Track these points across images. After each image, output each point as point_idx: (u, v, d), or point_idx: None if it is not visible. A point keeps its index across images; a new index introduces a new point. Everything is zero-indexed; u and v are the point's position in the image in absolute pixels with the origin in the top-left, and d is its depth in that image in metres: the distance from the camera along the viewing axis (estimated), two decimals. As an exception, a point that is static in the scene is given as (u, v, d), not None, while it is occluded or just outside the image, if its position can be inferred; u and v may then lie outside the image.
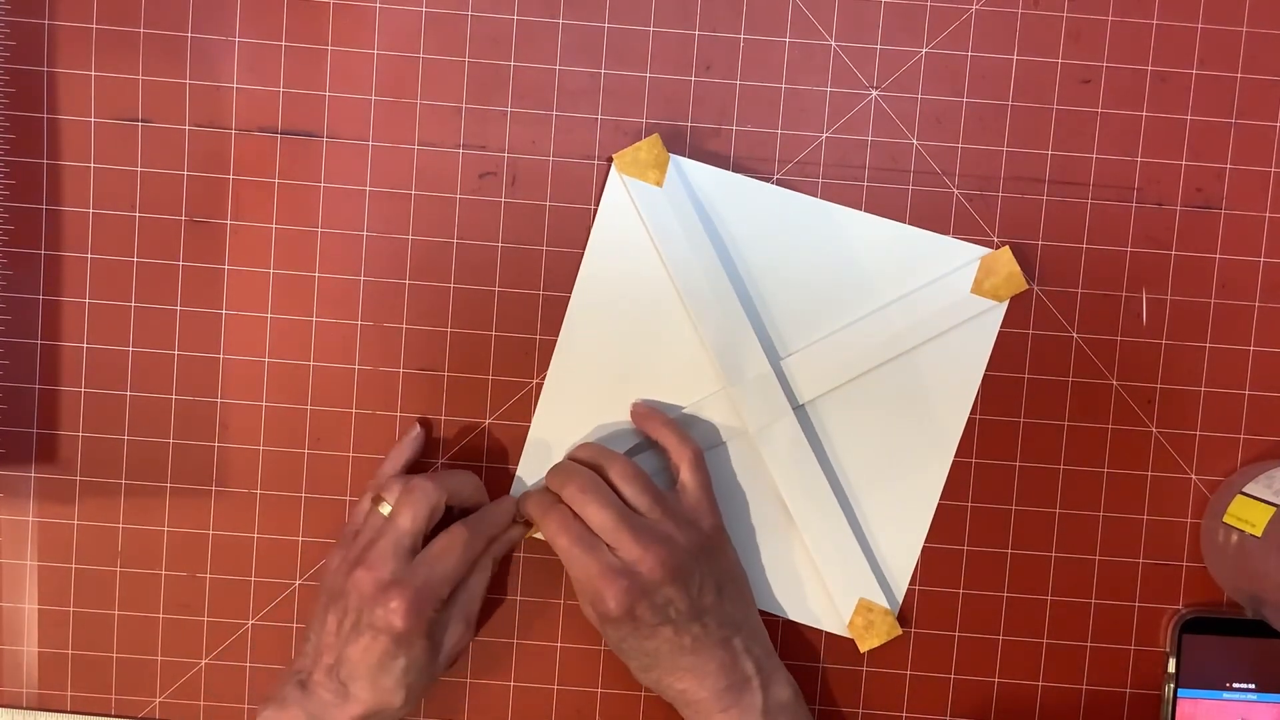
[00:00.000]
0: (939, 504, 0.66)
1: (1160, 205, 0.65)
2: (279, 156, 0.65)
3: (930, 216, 0.65)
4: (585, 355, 0.66)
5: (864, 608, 0.66)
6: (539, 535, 0.64)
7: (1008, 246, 0.65)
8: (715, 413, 0.65)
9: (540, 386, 0.66)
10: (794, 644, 0.67)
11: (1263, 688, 0.65)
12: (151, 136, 0.65)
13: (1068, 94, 0.65)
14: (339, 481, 0.66)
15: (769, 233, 0.65)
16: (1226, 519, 0.63)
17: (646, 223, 0.64)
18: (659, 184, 0.64)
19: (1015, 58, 0.65)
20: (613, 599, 0.58)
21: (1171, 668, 0.65)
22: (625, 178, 0.64)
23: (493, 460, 0.66)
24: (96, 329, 0.66)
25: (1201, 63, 0.65)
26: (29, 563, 0.67)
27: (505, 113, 0.65)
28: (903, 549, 0.66)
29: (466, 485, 0.63)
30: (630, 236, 0.65)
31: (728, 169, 0.65)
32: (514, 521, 0.64)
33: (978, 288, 0.65)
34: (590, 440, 0.65)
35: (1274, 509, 0.60)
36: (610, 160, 0.65)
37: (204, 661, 0.67)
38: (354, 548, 0.61)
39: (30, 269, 0.66)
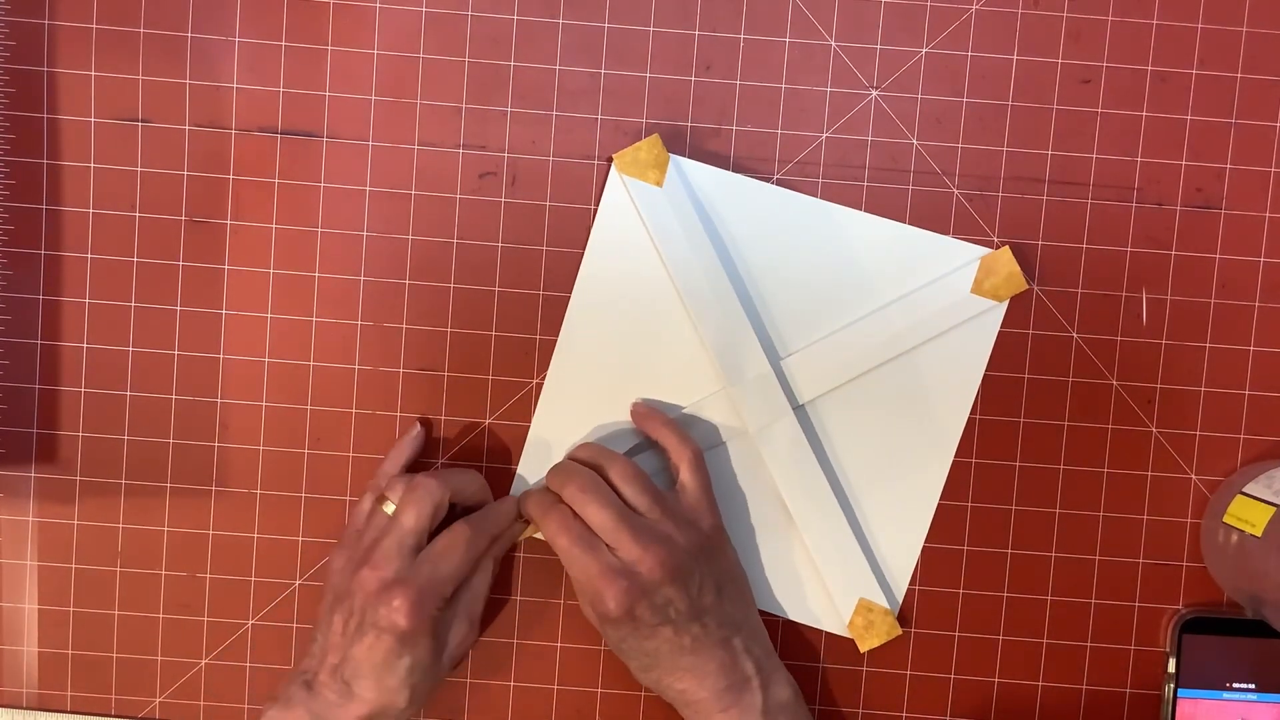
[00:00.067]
0: (939, 504, 0.66)
1: (1160, 205, 0.65)
2: (279, 156, 0.65)
3: (930, 216, 0.65)
4: (585, 355, 0.66)
5: (864, 608, 0.66)
6: (539, 535, 0.64)
7: (1008, 246, 0.65)
8: (715, 413, 0.65)
9: (540, 386, 0.66)
10: (794, 644, 0.67)
11: (1263, 688, 0.65)
12: (151, 136, 0.65)
13: (1068, 94, 0.65)
14: (339, 481, 0.66)
15: (769, 233, 0.65)
16: (1226, 519, 0.63)
17: (646, 223, 0.64)
18: (659, 184, 0.64)
19: (1015, 58, 0.65)
20: (612, 599, 0.58)
21: (1171, 668, 0.65)
22: (625, 178, 0.64)
23: (493, 460, 0.66)
24: (96, 329, 0.66)
25: (1201, 63, 0.65)
26: (29, 563, 0.67)
27: (505, 113, 0.65)
28: (903, 549, 0.66)
29: (470, 483, 0.63)
30: (630, 236, 0.65)
31: (728, 169, 0.65)
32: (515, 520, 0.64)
33: (978, 288, 0.65)
34: (590, 440, 0.65)
35: (1274, 509, 0.60)
36: (610, 160, 0.65)
37: (204, 661, 0.67)
38: (358, 548, 0.61)
39: (30, 269, 0.66)
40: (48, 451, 0.66)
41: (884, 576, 0.66)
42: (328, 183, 0.65)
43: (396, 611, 0.58)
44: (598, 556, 0.59)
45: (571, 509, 0.60)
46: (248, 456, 0.66)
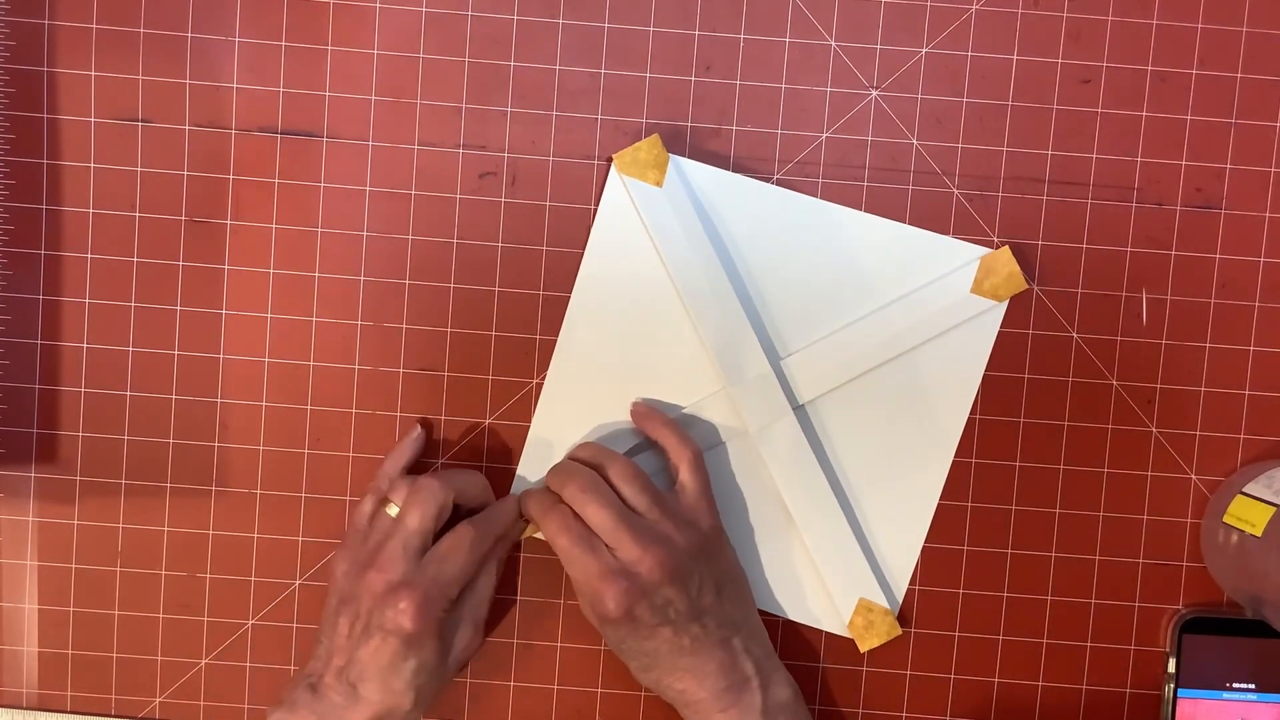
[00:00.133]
0: (939, 504, 0.66)
1: (1160, 205, 0.65)
2: (279, 156, 0.65)
3: (930, 216, 0.65)
4: (585, 355, 0.66)
5: (864, 608, 0.66)
6: (539, 535, 0.64)
7: (1008, 246, 0.65)
8: (715, 413, 0.65)
9: (540, 386, 0.66)
10: (794, 644, 0.67)
11: (1263, 688, 0.65)
12: (151, 136, 0.65)
13: (1068, 94, 0.65)
14: (339, 481, 0.66)
15: (769, 233, 0.65)
16: (1226, 519, 0.63)
17: (646, 223, 0.64)
18: (659, 184, 0.64)
19: (1015, 58, 0.65)
20: (612, 600, 0.58)
21: (1171, 668, 0.65)
22: (625, 178, 0.64)
23: (493, 460, 0.66)
24: (96, 329, 0.66)
25: (1201, 63, 0.65)
26: (29, 563, 0.67)
27: (505, 113, 0.65)
28: (903, 549, 0.66)
29: (473, 484, 0.63)
30: (630, 236, 0.65)
31: (728, 169, 0.65)
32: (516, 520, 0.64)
33: (978, 288, 0.65)
34: (590, 440, 0.65)
35: (1274, 509, 0.60)
36: (610, 160, 0.65)
37: (204, 661, 0.67)
38: (363, 550, 0.61)
39: (30, 269, 0.66)
40: (48, 451, 0.66)
41: (884, 576, 0.66)
42: (328, 183, 0.65)
43: (403, 614, 0.58)
44: (598, 557, 0.59)
45: (572, 509, 0.60)
46: (248, 456, 0.66)
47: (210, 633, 0.67)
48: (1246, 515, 0.62)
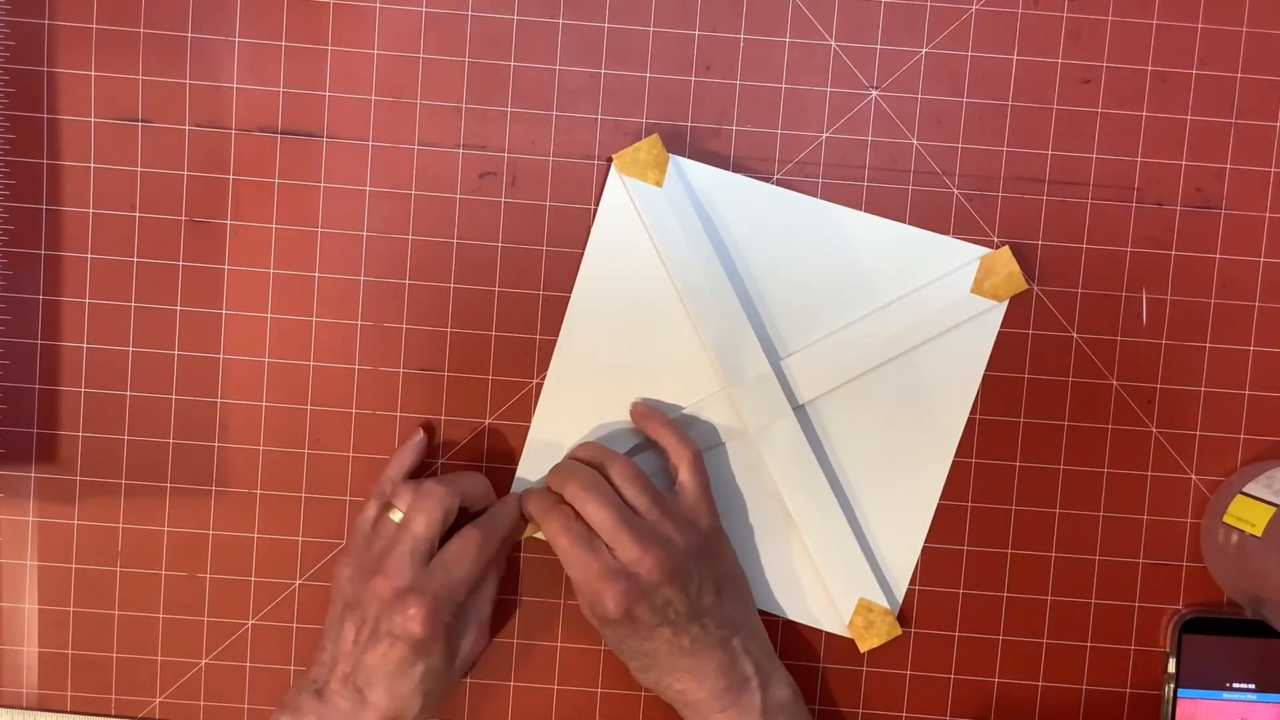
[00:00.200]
0: (939, 504, 0.66)
1: (1160, 205, 0.65)
2: (279, 156, 0.65)
3: (930, 216, 0.65)
4: (585, 355, 0.66)
5: (864, 608, 0.66)
6: (539, 535, 0.64)
7: (1008, 246, 0.65)
8: (715, 413, 0.65)
9: (540, 386, 0.66)
10: (794, 644, 0.67)
11: (1263, 688, 0.65)
12: (151, 136, 0.65)
13: (1068, 94, 0.65)
14: (339, 481, 0.66)
15: (769, 233, 0.65)
16: (1226, 519, 0.63)
17: (646, 223, 0.64)
18: (659, 184, 0.64)
19: (1015, 58, 0.65)
20: (611, 600, 0.58)
21: (1171, 668, 0.65)
22: (625, 178, 0.64)
23: (493, 460, 0.66)
24: (96, 329, 0.66)
25: (1201, 63, 0.65)
26: (29, 563, 0.67)
27: (505, 113, 0.65)
28: (903, 549, 0.66)
29: (477, 487, 0.63)
30: (630, 236, 0.65)
31: (728, 169, 0.65)
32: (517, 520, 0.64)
33: (978, 288, 0.65)
34: (590, 440, 0.65)
35: (1274, 509, 0.60)
36: (610, 160, 0.65)
37: (204, 661, 0.67)
38: (368, 556, 0.61)
39: (30, 269, 0.66)
40: (48, 451, 0.66)
41: (884, 576, 0.66)
42: (328, 183, 0.65)
43: (412, 620, 0.58)
44: (598, 557, 0.59)
45: (573, 509, 0.60)
46: (248, 456, 0.66)
47: (210, 633, 0.67)
48: (1246, 515, 0.62)
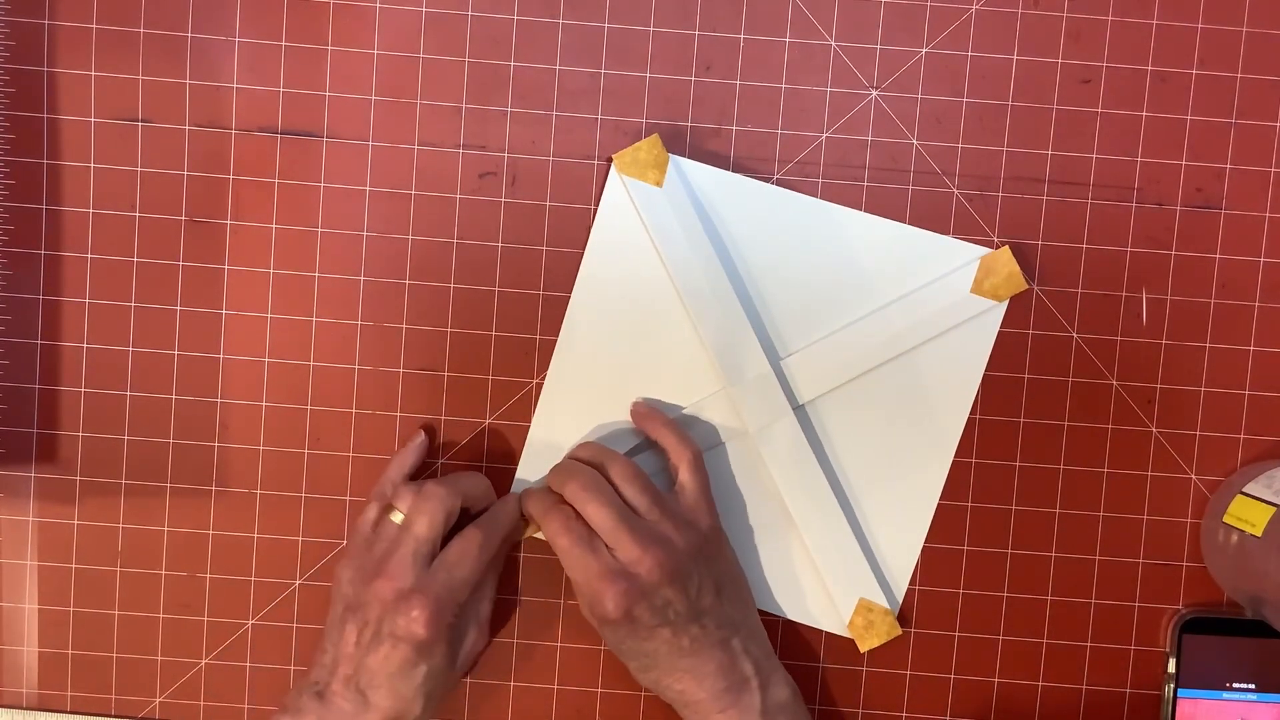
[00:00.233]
0: (939, 504, 0.66)
1: (1160, 205, 0.65)
2: (279, 156, 0.65)
3: (930, 216, 0.65)
4: (585, 355, 0.66)
5: (864, 608, 0.66)
6: (539, 535, 0.64)
7: (1008, 246, 0.65)
8: (715, 413, 0.65)
9: (540, 386, 0.66)
10: (794, 644, 0.67)
11: (1263, 688, 0.65)
12: (151, 136, 0.65)
13: (1068, 94, 0.65)
14: (339, 481, 0.66)
15: (769, 233, 0.65)
16: (1226, 519, 0.63)
17: (646, 223, 0.64)
18: (659, 184, 0.64)
19: (1015, 58, 0.65)
20: (611, 601, 0.58)
21: (1171, 668, 0.65)
22: (625, 178, 0.64)
23: (493, 460, 0.66)
24: (96, 329, 0.66)
25: (1201, 63, 0.65)
26: (29, 563, 0.67)
27: (505, 113, 0.65)
28: (903, 549, 0.66)
29: (478, 487, 0.63)
30: (630, 236, 0.65)
31: (728, 169, 0.65)
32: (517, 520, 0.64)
33: (978, 288, 0.65)
34: (590, 440, 0.65)
35: (1274, 509, 0.60)
36: (610, 160, 0.65)
37: (204, 661, 0.67)
38: (369, 558, 0.61)
39: (30, 269, 0.66)
40: (48, 451, 0.66)
41: (884, 576, 0.66)
42: (328, 183, 0.65)
43: (415, 621, 0.58)
44: (598, 557, 0.59)
45: (573, 509, 0.60)
46: (248, 456, 0.66)
47: (210, 633, 0.67)
48: (1246, 515, 0.62)
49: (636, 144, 0.64)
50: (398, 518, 0.61)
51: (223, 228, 0.65)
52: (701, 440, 0.65)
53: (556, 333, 0.66)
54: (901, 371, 0.65)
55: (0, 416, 0.66)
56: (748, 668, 0.61)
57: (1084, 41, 0.65)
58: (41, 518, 0.66)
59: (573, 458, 0.64)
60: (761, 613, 0.65)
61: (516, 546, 0.66)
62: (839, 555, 0.65)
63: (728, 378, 0.64)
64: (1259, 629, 0.64)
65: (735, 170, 0.65)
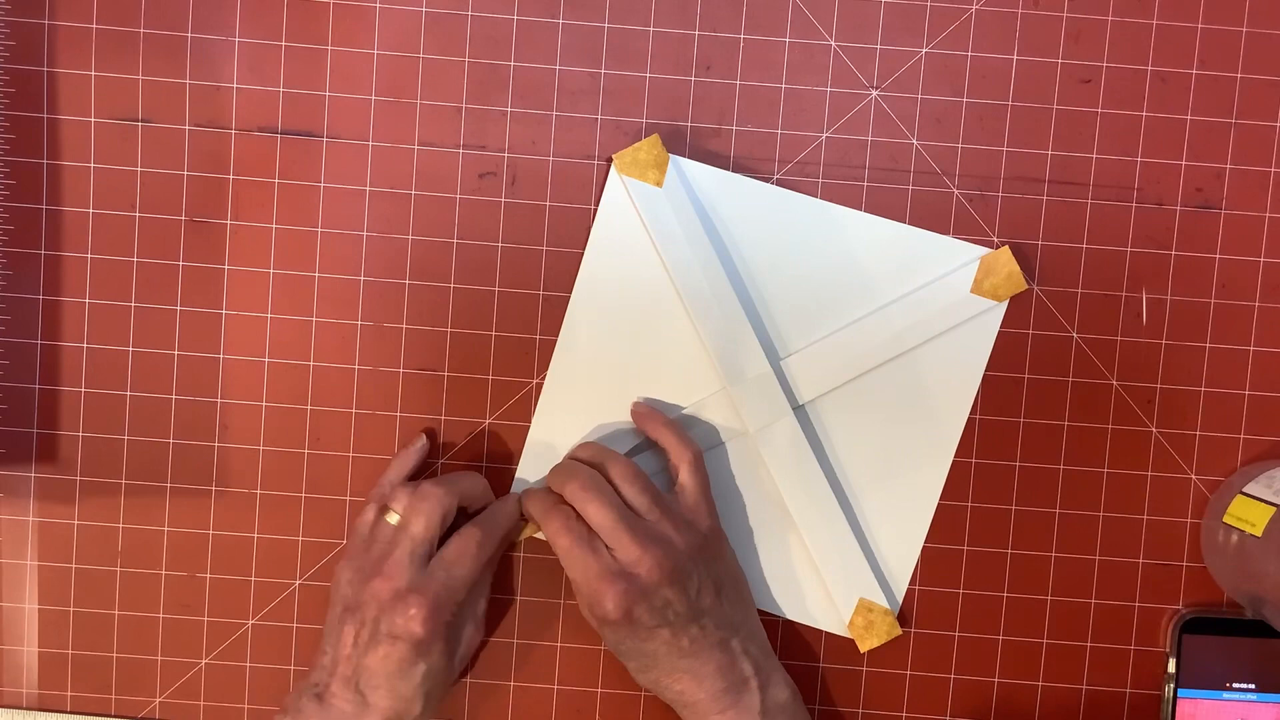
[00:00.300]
0: (939, 504, 0.66)
1: (1160, 205, 0.65)
2: (279, 156, 0.65)
3: (930, 216, 0.65)
4: (585, 355, 0.66)
5: (864, 608, 0.66)
6: (539, 535, 0.64)
7: (1008, 246, 0.65)
8: (715, 413, 0.65)
9: (540, 386, 0.66)
10: (793, 644, 0.67)
11: (1263, 688, 0.65)
12: (151, 136, 0.65)
13: (1068, 94, 0.65)
14: (339, 481, 0.66)
15: (769, 233, 0.65)
16: (1226, 519, 0.63)
17: (646, 223, 0.64)
18: (659, 184, 0.64)
19: (1015, 58, 0.65)
20: (611, 601, 0.58)
21: (1171, 668, 0.65)
22: (625, 178, 0.64)
23: (493, 460, 0.66)
24: (96, 329, 0.66)
25: (1201, 63, 0.65)
26: (29, 563, 0.67)
27: (505, 113, 0.65)
28: (903, 549, 0.66)
29: (475, 487, 0.63)
30: (630, 236, 0.65)
31: (728, 169, 0.65)
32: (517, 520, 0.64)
33: (977, 287, 0.65)
34: (590, 440, 0.65)
35: (1274, 509, 0.60)
36: (610, 160, 0.65)
37: (204, 661, 0.67)
38: (367, 559, 0.61)
39: (30, 269, 0.66)
40: (48, 451, 0.66)
41: (884, 576, 0.66)
42: (328, 183, 0.65)
43: (413, 620, 0.58)
44: (598, 558, 0.59)
45: (573, 509, 0.60)
46: (248, 456, 0.66)
47: (210, 633, 0.67)
48: (1246, 515, 0.62)
49: (636, 144, 0.64)
50: (394, 518, 0.61)
51: (223, 228, 0.65)
52: (701, 440, 0.65)
53: (556, 333, 0.66)
54: (901, 371, 0.65)
55: (0, 416, 0.66)
56: (747, 668, 0.61)
57: (1084, 41, 0.65)
58: (41, 518, 0.66)
59: (573, 458, 0.64)
60: (761, 613, 0.65)
61: (516, 546, 0.66)
62: (839, 555, 0.65)
63: (728, 378, 0.64)
64: (1259, 629, 0.64)
65: (735, 170, 0.65)
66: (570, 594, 0.66)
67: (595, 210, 0.65)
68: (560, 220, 0.65)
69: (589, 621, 0.61)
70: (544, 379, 0.66)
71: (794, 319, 0.65)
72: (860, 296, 0.65)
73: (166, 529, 0.66)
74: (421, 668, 0.59)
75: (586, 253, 0.65)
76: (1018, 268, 0.65)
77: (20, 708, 0.67)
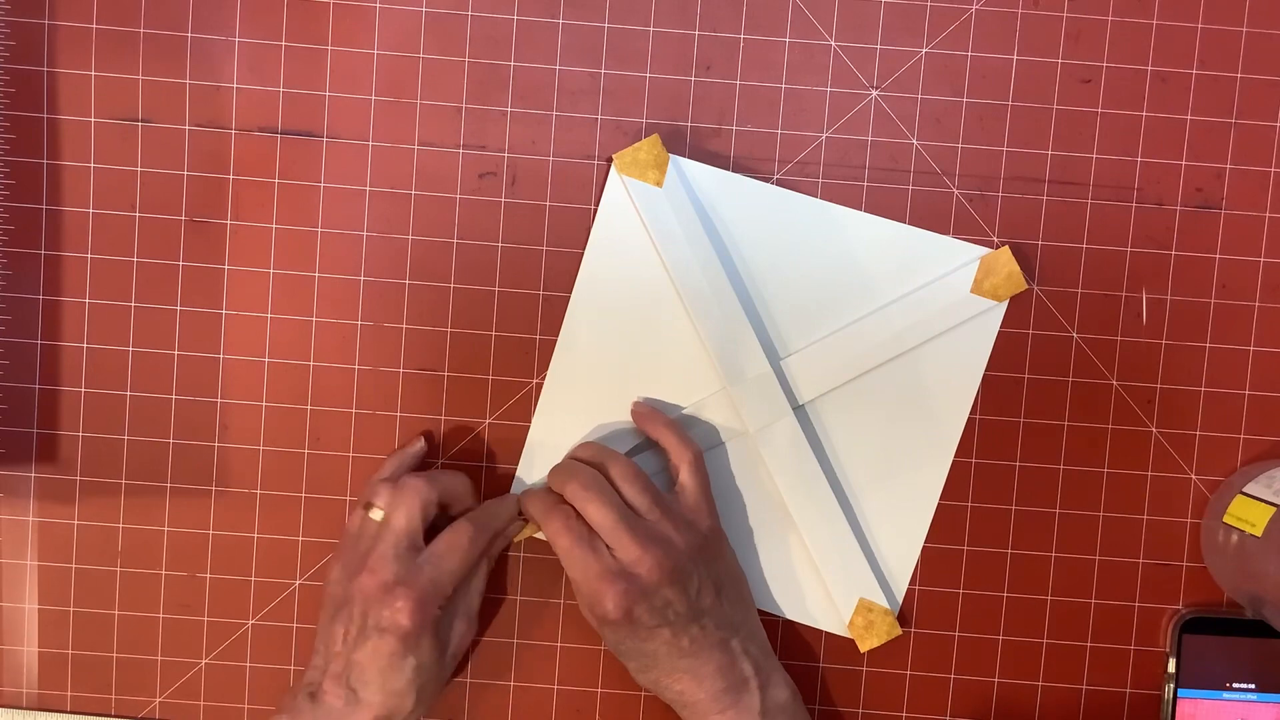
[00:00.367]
0: (939, 504, 0.66)
1: (1160, 205, 0.65)
2: (279, 156, 0.65)
3: (930, 216, 0.65)
4: (585, 355, 0.66)
5: (864, 608, 0.66)
6: (539, 535, 0.64)
7: (1008, 246, 0.65)
8: (715, 413, 0.65)
9: (540, 386, 0.66)
10: (793, 644, 0.67)
11: (1263, 688, 0.65)
12: (151, 136, 0.65)
13: (1068, 94, 0.65)
14: (339, 481, 0.66)
15: (769, 233, 0.65)
16: (1226, 519, 0.63)
17: (646, 223, 0.64)
18: (659, 184, 0.64)
19: (1015, 58, 0.65)
20: (611, 601, 0.58)
21: (1171, 668, 0.65)
22: (625, 178, 0.64)
23: (493, 460, 0.66)
24: (96, 329, 0.66)
25: (1201, 63, 0.65)
26: (29, 563, 0.67)
27: (505, 113, 0.65)
28: (903, 549, 0.66)
29: (458, 484, 0.63)
30: (630, 236, 0.65)
31: (728, 169, 0.65)
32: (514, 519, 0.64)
33: (977, 287, 0.65)
34: (590, 440, 0.65)
35: (1274, 509, 0.60)
36: (610, 160, 0.65)
37: (204, 661, 0.67)
38: (354, 556, 0.61)
39: (30, 269, 0.66)
40: (48, 451, 0.66)
41: (884, 576, 0.66)
42: (328, 183, 0.65)
43: (399, 612, 0.58)
44: (598, 558, 0.59)
45: (573, 509, 0.60)
46: (248, 456, 0.66)
47: (210, 633, 0.67)
48: (1246, 515, 0.62)
49: (636, 144, 0.64)
50: (377, 514, 0.61)
51: (223, 228, 0.65)
52: (701, 440, 0.65)
53: (556, 333, 0.66)
54: (901, 371, 0.65)
55: (0, 416, 0.66)
56: (747, 668, 0.61)
57: (1084, 41, 0.65)
58: (41, 518, 0.66)
59: (573, 458, 0.64)
60: (761, 613, 0.65)
61: (515, 546, 0.66)
62: (839, 555, 0.65)
63: (728, 378, 0.64)
64: (1259, 629, 0.64)
65: (735, 170, 0.65)
66: (570, 594, 0.66)
67: (595, 210, 0.65)
68: (560, 220, 0.65)
69: (589, 621, 0.61)
70: (544, 379, 0.66)
71: (794, 319, 0.65)
72: (860, 296, 0.65)
73: (166, 529, 0.66)
74: (411, 661, 0.59)
75: (586, 253, 0.65)
76: (1018, 268, 0.65)
77: (20, 708, 0.67)
